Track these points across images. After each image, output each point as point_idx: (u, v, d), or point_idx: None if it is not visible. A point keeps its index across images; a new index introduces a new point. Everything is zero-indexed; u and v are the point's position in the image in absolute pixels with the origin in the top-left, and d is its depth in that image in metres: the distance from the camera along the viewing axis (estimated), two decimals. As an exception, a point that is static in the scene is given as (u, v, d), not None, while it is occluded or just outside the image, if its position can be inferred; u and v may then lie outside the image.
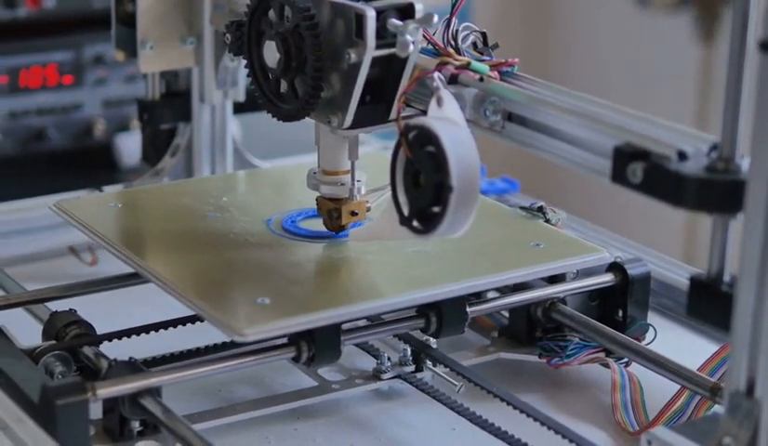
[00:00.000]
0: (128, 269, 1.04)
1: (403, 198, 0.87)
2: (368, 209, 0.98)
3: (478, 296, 1.01)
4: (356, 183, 0.97)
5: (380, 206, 0.97)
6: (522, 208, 1.06)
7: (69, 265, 1.21)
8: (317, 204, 0.99)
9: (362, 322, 0.97)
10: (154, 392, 0.86)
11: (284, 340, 0.92)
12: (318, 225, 1.00)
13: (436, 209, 0.85)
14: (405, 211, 0.87)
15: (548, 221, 1.04)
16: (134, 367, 0.88)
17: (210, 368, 0.91)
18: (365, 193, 0.98)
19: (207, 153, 1.25)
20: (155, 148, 1.27)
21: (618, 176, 0.80)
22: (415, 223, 0.87)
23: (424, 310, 0.96)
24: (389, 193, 0.90)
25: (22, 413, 0.82)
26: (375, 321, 0.98)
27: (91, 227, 1.01)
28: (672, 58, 2.61)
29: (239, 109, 1.27)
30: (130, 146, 1.51)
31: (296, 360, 0.92)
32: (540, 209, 1.05)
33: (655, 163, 0.78)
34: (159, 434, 0.88)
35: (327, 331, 0.91)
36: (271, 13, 0.93)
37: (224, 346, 0.97)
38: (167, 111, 1.24)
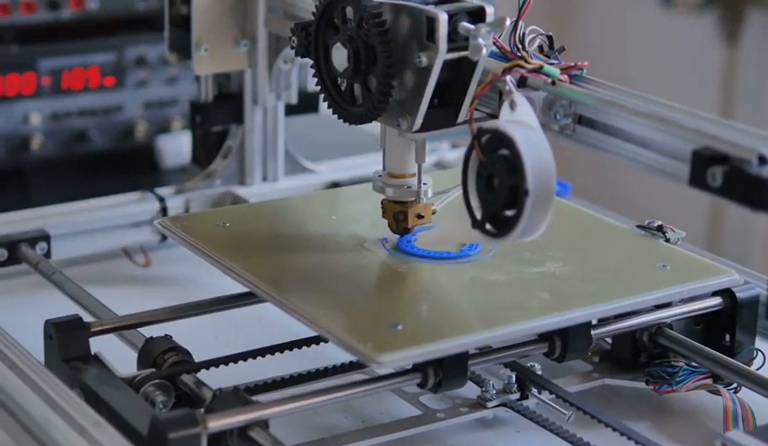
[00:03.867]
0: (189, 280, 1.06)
1: (475, 201, 0.87)
2: (434, 212, 0.98)
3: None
4: (422, 186, 0.97)
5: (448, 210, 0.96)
6: (639, 227, 1.03)
7: (122, 266, 1.21)
8: (382, 207, 0.98)
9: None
10: (264, 424, 0.83)
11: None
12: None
13: (510, 213, 0.85)
14: (478, 215, 0.87)
15: (667, 240, 1.01)
16: (242, 398, 0.85)
17: (325, 398, 0.87)
18: (432, 196, 0.98)
19: (259, 156, 1.25)
20: (205, 150, 1.27)
21: (697, 180, 0.80)
22: (488, 226, 0.87)
23: (548, 335, 0.93)
24: (454, 196, 0.89)
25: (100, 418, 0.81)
26: (496, 346, 0.94)
27: (204, 247, 0.97)
28: (696, 58, 2.61)
29: (287, 111, 1.27)
30: (172, 148, 1.50)
31: (421, 386, 0.89)
32: (660, 228, 1.02)
33: (734, 167, 0.78)
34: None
35: (456, 357, 0.88)
36: (342, 14, 0.92)
37: (324, 371, 0.95)
38: (220, 112, 1.24)
